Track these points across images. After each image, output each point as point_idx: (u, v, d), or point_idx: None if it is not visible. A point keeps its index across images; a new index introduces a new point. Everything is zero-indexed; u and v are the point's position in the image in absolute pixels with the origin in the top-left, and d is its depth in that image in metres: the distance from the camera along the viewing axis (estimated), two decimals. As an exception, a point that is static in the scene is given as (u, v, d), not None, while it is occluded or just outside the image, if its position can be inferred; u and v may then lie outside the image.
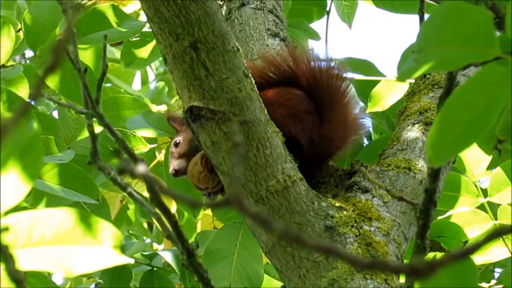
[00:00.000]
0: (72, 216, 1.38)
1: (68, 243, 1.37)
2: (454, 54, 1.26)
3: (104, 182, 2.91)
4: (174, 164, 2.47)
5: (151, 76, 4.95)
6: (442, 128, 1.26)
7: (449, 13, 1.28)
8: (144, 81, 4.86)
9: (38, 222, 1.37)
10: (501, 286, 3.12)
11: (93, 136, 1.79)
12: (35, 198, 2.88)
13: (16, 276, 1.22)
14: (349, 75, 2.54)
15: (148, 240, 4.29)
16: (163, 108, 4.13)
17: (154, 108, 4.04)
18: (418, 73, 1.31)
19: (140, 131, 3.00)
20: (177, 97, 2.36)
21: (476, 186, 2.90)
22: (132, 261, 1.42)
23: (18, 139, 1.37)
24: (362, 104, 3.02)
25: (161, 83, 4.73)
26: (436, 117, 1.26)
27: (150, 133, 3.01)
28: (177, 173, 2.47)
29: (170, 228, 1.74)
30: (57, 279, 4.09)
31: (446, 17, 1.28)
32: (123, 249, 1.39)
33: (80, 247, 1.38)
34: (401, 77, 1.30)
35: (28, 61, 3.00)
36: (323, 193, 2.35)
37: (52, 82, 2.88)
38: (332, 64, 2.48)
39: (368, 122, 2.66)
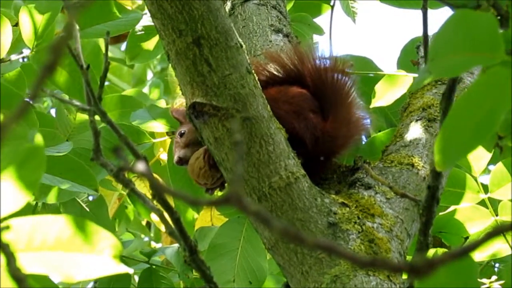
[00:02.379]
0: (73, 224, 1.39)
1: (69, 250, 1.38)
2: (463, 60, 1.28)
3: (102, 180, 2.91)
4: (180, 152, 2.48)
5: (149, 74, 4.94)
6: (449, 132, 1.27)
7: (460, 22, 1.30)
8: (142, 79, 4.85)
9: (40, 228, 1.38)
10: (502, 282, 3.11)
11: (96, 133, 1.80)
12: (39, 191, 2.88)
13: (17, 275, 1.22)
14: (352, 71, 2.53)
15: (146, 239, 4.29)
16: (161, 104, 4.11)
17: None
18: (430, 79, 1.33)
19: (149, 123, 3.00)
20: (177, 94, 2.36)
21: (477, 182, 2.90)
22: (131, 270, 1.43)
23: (20, 149, 1.38)
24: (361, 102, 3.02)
25: (157, 80, 4.72)
26: (443, 122, 1.28)
27: (161, 126, 3.01)
28: (182, 161, 2.47)
29: (173, 225, 1.74)
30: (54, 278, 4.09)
31: (457, 25, 1.30)
32: (121, 257, 1.40)
33: (80, 254, 1.39)
34: (415, 86, 1.32)
35: (25, 59, 2.99)
36: (326, 189, 2.35)
37: (52, 78, 2.87)
38: (337, 62, 2.48)
39: (369, 122, 2.65)
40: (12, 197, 1.37)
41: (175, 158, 2.49)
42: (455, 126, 1.27)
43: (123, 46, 4.44)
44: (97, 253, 1.38)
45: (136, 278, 3.37)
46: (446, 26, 1.32)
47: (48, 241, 1.37)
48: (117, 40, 4.47)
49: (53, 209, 3.00)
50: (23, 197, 1.37)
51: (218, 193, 2.52)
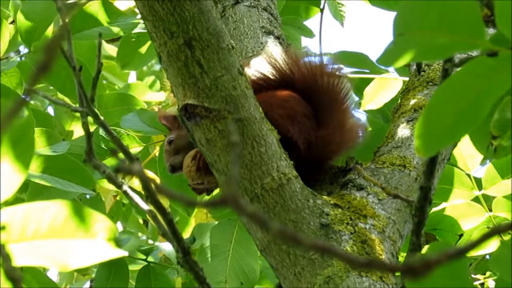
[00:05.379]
0: (66, 209, 1.37)
1: (63, 236, 1.36)
2: (440, 43, 1.24)
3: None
4: (170, 160, 2.48)
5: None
6: (430, 118, 1.25)
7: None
8: (140, 78, 4.85)
9: (32, 216, 1.36)
10: (496, 277, 3.12)
11: (88, 134, 1.79)
12: (32, 193, 2.86)
13: (12, 275, 1.21)
14: (346, 73, 2.53)
15: (143, 237, 4.29)
16: (160, 96, 4.09)
17: (151, 95, 4.00)
18: (403, 60, 1.28)
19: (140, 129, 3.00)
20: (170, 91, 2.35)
21: (470, 178, 2.91)
22: (126, 253, 1.41)
23: (11, 128, 1.36)
24: (356, 99, 3.02)
25: (152, 77, 4.72)
26: (425, 108, 1.26)
27: (140, 132, 3.01)
28: (174, 168, 2.47)
29: (166, 226, 1.74)
30: (52, 276, 4.08)
31: (429, 2, 1.25)
32: (117, 241, 1.39)
33: (74, 240, 1.36)
34: (382, 61, 1.27)
35: (23, 58, 2.98)
36: (318, 190, 2.35)
37: (47, 78, 2.87)
38: (333, 68, 2.47)
39: (364, 125, 2.65)
40: (7, 178, 1.35)
41: (167, 166, 2.48)
42: (437, 112, 1.24)
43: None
44: (91, 237, 1.36)
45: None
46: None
47: (41, 229, 1.35)
48: (117, 39, 4.46)
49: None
50: (18, 177, 1.35)
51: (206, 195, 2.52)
